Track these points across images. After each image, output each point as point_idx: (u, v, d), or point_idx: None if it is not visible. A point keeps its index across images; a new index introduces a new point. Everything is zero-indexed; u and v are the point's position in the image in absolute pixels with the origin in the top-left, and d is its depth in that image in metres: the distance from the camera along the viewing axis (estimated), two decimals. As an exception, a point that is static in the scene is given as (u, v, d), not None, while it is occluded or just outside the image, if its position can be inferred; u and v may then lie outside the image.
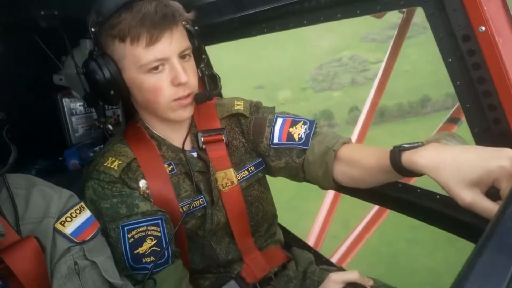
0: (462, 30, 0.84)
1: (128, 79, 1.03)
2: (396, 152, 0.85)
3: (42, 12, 1.16)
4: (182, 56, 1.03)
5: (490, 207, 0.68)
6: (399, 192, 1.14)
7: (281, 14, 1.20)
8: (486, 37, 0.81)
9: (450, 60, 0.89)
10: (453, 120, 2.76)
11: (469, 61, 0.85)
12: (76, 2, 1.10)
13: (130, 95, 1.08)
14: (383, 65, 3.14)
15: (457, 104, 2.68)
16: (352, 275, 0.97)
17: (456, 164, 0.72)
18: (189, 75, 1.02)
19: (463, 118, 2.70)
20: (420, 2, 0.90)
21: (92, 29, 0.98)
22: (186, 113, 1.08)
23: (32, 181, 0.90)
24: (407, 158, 0.82)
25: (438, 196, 1.03)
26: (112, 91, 1.02)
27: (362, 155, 1.05)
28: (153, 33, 0.96)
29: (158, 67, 1.00)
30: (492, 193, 0.69)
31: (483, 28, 0.80)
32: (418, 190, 1.09)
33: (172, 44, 0.99)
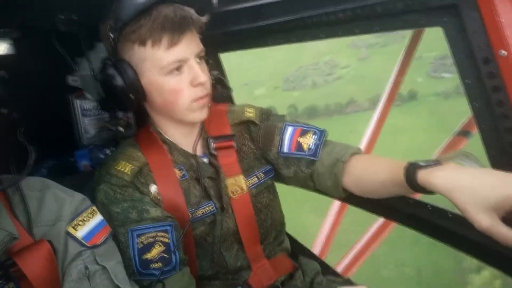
0: (482, 52, 0.84)
1: (146, 83, 1.04)
2: (411, 170, 0.84)
3: (62, 17, 1.17)
4: (198, 58, 1.05)
5: (507, 233, 0.69)
6: (410, 208, 1.13)
7: (299, 26, 1.20)
8: (507, 61, 0.80)
9: (469, 81, 0.89)
10: (463, 134, 2.74)
11: (489, 83, 0.85)
12: (94, 7, 1.11)
13: (146, 100, 1.08)
14: (391, 79, 3.15)
15: (467, 117, 2.67)
16: None
17: (474, 187, 0.72)
18: (205, 77, 1.05)
19: (474, 132, 2.70)
20: (440, 22, 0.89)
21: (111, 35, 0.98)
22: (203, 115, 1.10)
23: (45, 184, 0.91)
24: (423, 177, 0.81)
25: (450, 215, 1.02)
26: (131, 96, 1.03)
27: (373, 168, 1.06)
28: (173, 35, 0.98)
29: (178, 68, 1.02)
30: (509, 219, 0.69)
31: (504, 52, 0.80)
32: (429, 207, 1.07)
33: (191, 45, 1.02)
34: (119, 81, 1.01)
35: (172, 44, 0.99)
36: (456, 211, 0.77)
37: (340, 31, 1.12)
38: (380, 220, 2.82)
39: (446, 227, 1.03)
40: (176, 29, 0.98)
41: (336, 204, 2.95)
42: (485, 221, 0.69)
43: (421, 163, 0.85)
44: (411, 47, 2.84)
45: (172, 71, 1.01)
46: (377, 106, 3.45)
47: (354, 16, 1.03)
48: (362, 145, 3.30)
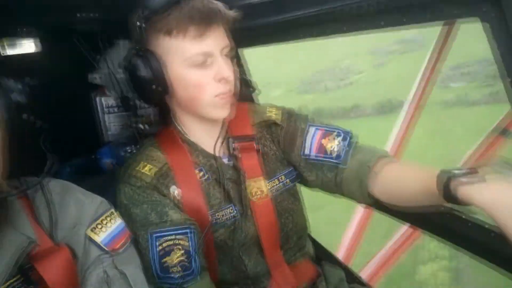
0: None
1: (171, 75, 1.01)
2: (445, 179, 0.77)
3: (84, 15, 1.16)
4: (224, 53, 1.03)
5: None
6: (446, 220, 1.05)
7: (320, 20, 1.13)
8: None
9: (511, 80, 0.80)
10: (503, 132, 2.57)
11: None
12: (116, 5, 1.09)
13: (169, 94, 1.05)
14: (416, 85, 3.06)
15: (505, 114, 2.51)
16: None
17: None
18: (230, 72, 1.02)
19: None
20: (478, 13, 0.80)
21: (138, 23, 0.96)
22: (226, 112, 1.07)
23: (66, 187, 0.90)
24: (462, 189, 0.74)
25: (492, 234, 0.93)
26: (157, 87, 1.00)
27: (403, 175, 0.99)
28: (200, 27, 0.96)
29: (203, 62, 0.99)
30: None
31: None
32: (469, 224, 0.99)
33: (217, 39, 1.00)
34: (144, 70, 0.99)
35: (198, 35, 0.96)
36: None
37: (364, 24, 1.04)
38: (404, 227, 2.72)
39: (488, 244, 0.95)
40: (204, 20, 0.96)
41: (361, 208, 2.87)
42: None
43: (456, 172, 0.77)
44: (438, 52, 2.70)
45: (196, 63, 0.99)
46: (403, 111, 3.39)
47: (379, 8, 0.95)
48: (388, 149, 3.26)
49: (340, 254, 2.61)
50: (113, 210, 0.93)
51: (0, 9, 0.98)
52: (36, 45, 1.41)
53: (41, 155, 0.81)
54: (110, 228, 0.89)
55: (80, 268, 0.83)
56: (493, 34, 0.80)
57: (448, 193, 0.76)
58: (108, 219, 0.90)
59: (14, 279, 0.75)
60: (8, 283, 0.73)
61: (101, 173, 1.55)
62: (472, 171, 0.75)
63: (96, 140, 1.58)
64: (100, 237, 0.86)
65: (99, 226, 0.88)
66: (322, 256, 1.40)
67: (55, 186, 0.89)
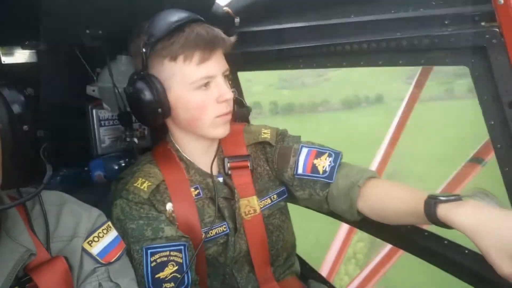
0: (509, 96, 0.83)
1: (173, 98, 1.06)
2: (432, 204, 0.84)
3: (87, 31, 1.19)
4: (224, 76, 1.08)
5: None
6: (425, 240, 1.11)
7: (321, 53, 1.21)
8: None
9: (493, 122, 0.88)
10: (477, 160, 2.72)
11: None
12: (119, 22, 1.13)
13: (170, 116, 1.09)
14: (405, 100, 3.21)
15: (482, 143, 2.65)
16: None
17: (500, 232, 0.71)
18: (231, 94, 1.08)
19: (487, 159, 2.70)
20: (466, 62, 0.89)
21: (143, 50, 1.00)
22: (225, 131, 1.12)
23: (63, 198, 0.92)
24: (444, 212, 0.81)
25: (466, 251, 1.01)
26: (160, 110, 1.05)
27: (390, 195, 1.05)
28: (205, 52, 1.02)
29: (206, 84, 1.05)
30: None
31: None
32: (446, 242, 1.06)
33: (219, 63, 1.06)
34: (148, 95, 1.03)
35: (203, 60, 1.02)
36: (473, 247, 0.76)
37: (363, 61, 1.12)
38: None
39: (462, 263, 1.01)
40: (208, 46, 1.01)
41: (345, 226, 2.94)
42: (509, 268, 0.69)
43: (442, 197, 0.84)
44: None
45: (200, 87, 1.04)
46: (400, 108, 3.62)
47: (378, 48, 1.04)
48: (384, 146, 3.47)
49: (323, 272, 2.65)
50: (109, 223, 0.94)
51: (6, 21, 1.00)
52: (36, 55, 1.43)
53: (35, 165, 0.83)
54: (106, 241, 0.90)
55: (75, 279, 0.83)
56: (478, 82, 0.89)
57: (433, 217, 0.83)
58: (105, 231, 0.91)
59: None
60: None
61: (91, 185, 1.55)
62: (456, 198, 0.82)
63: (88, 152, 1.58)
64: (96, 249, 0.88)
65: (96, 239, 0.89)
66: (308, 273, 1.44)
67: (52, 197, 0.90)
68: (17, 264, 0.75)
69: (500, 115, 0.86)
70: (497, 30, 0.82)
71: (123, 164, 1.54)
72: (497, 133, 0.88)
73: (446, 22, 0.92)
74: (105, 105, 1.58)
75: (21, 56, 1.34)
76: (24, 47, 1.24)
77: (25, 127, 0.79)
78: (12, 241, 0.78)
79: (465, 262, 1.01)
